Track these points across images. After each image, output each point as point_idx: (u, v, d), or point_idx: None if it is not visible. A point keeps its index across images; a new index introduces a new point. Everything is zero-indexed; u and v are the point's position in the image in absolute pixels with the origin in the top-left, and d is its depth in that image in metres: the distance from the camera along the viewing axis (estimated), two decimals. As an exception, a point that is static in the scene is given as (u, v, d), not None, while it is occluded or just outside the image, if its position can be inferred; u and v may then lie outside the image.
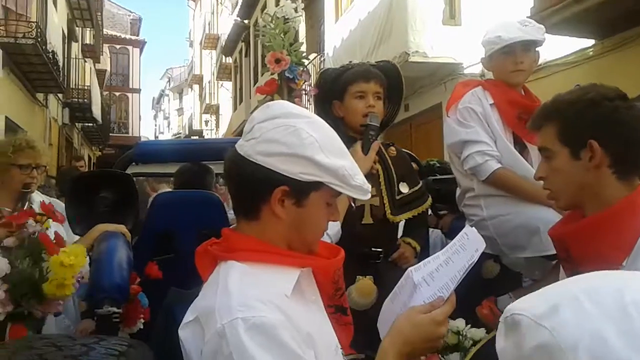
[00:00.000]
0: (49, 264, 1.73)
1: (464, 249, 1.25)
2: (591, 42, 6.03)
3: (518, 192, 2.22)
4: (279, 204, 1.15)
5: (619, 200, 1.36)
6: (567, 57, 6.39)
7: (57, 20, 13.47)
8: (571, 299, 0.65)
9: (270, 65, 2.37)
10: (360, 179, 1.21)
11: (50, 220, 1.93)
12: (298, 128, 1.14)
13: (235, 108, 23.07)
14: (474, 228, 1.29)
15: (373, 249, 2.12)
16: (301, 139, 1.13)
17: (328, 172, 1.15)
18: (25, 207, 2.67)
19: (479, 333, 1.67)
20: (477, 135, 2.28)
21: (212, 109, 29.94)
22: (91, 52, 22.08)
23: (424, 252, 2.30)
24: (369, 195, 1.25)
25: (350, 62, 2.34)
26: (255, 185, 1.15)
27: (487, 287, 2.35)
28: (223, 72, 25.62)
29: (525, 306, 0.68)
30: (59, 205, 2.75)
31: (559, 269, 1.60)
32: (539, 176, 1.52)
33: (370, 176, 2.10)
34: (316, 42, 13.96)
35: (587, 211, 1.44)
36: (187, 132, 36.59)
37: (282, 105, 1.24)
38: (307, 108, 2.57)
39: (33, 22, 10.11)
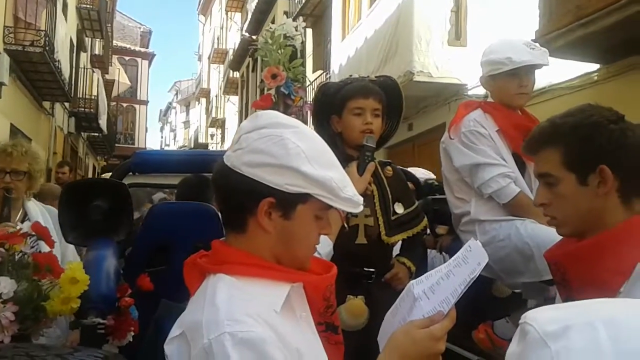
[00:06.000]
0: (49, 282, 1.68)
1: (466, 262, 1.18)
2: (596, 66, 5.98)
3: (531, 217, 2.18)
4: (265, 216, 1.12)
5: (619, 223, 1.31)
6: (571, 81, 6.36)
7: (66, 30, 13.58)
8: (586, 323, 0.59)
9: (266, 80, 2.40)
10: (350, 191, 1.16)
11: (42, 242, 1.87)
12: (284, 138, 1.12)
13: (240, 122, 23.08)
14: (478, 241, 1.24)
15: (365, 269, 2.08)
16: (287, 149, 1.11)
17: (315, 184, 1.11)
18: (19, 214, 2.66)
19: None
20: (493, 158, 2.24)
21: (218, 123, 30.03)
22: (100, 63, 22.25)
23: (420, 273, 2.25)
24: (361, 208, 1.21)
25: (351, 76, 2.30)
26: (242, 197, 1.13)
27: (498, 306, 2.31)
28: (230, 87, 25.73)
29: (539, 317, 0.65)
30: (54, 213, 2.73)
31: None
32: (540, 203, 1.43)
33: (365, 196, 2.09)
34: (322, 60, 14.03)
35: (588, 235, 1.38)
36: (192, 145, 36.67)
37: (270, 115, 1.21)
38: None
39: (42, 30, 10.17)
